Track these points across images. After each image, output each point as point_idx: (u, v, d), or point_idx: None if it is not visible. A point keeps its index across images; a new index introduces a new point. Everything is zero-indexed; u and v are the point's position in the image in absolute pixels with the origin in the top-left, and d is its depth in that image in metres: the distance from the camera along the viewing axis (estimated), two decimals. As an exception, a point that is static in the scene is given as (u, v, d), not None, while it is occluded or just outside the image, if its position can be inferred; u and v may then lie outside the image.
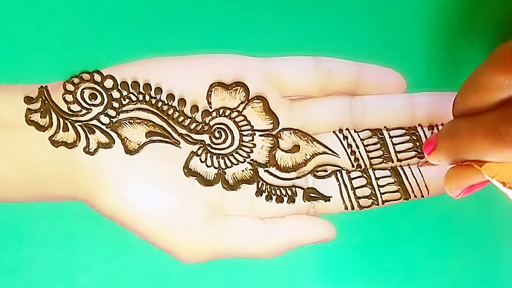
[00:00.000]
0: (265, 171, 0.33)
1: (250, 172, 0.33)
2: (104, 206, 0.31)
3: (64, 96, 0.31)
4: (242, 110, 0.33)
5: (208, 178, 0.32)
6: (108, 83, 0.32)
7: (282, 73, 0.33)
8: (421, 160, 0.34)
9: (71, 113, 0.31)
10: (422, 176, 0.33)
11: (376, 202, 0.33)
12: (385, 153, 0.34)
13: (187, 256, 0.33)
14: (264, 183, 0.33)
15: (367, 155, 0.34)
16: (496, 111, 0.27)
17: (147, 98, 0.32)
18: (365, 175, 0.33)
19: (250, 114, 0.33)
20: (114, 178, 0.31)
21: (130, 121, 0.31)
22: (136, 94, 0.32)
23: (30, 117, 0.31)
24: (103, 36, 0.36)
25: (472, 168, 0.28)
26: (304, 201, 0.33)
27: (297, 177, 0.33)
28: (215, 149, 0.32)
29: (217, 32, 0.37)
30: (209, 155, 0.32)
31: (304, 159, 0.33)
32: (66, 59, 0.34)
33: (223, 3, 0.37)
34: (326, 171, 0.33)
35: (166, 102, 0.32)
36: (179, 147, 0.32)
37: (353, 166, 0.34)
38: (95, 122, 0.31)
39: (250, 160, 0.33)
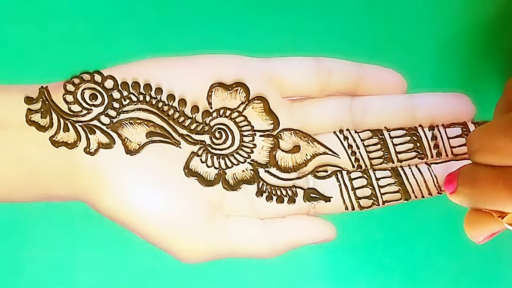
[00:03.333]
0: (265, 171, 0.33)
1: (250, 173, 0.33)
2: (104, 206, 0.31)
3: (64, 96, 0.31)
4: (243, 111, 0.33)
5: (208, 179, 0.32)
6: (109, 84, 0.31)
7: (282, 74, 0.33)
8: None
9: (72, 113, 0.31)
10: (422, 176, 0.33)
11: (376, 203, 0.33)
12: (386, 153, 0.34)
13: (188, 256, 0.33)
14: (264, 184, 0.33)
15: (368, 155, 0.34)
16: None
17: (148, 98, 0.32)
18: (365, 176, 0.33)
19: (251, 114, 0.33)
20: (114, 178, 0.31)
21: (131, 121, 0.31)
22: (137, 95, 0.32)
23: (30, 117, 0.31)
24: (103, 36, 0.36)
25: (492, 216, 0.28)
26: (305, 202, 0.33)
27: (297, 178, 0.33)
28: (216, 149, 0.32)
29: (218, 32, 0.37)
30: (209, 155, 0.32)
31: (304, 160, 0.33)
32: (66, 60, 0.34)
33: (224, 4, 0.37)
34: (327, 171, 0.33)
35: (166, 102, 0.32)
36: (180, 147, 0.32)
37: (353, 166, 0.34)
38: (95, 122, 0.31)
39: (251, 160, 0.33)
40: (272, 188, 0.33)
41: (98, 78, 0.31)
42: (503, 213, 0.27)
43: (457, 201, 0.30)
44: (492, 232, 0.29)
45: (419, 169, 0.34)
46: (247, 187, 0.33)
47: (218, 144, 0.32)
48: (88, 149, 0.31)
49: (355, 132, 0.34)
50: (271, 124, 0.33)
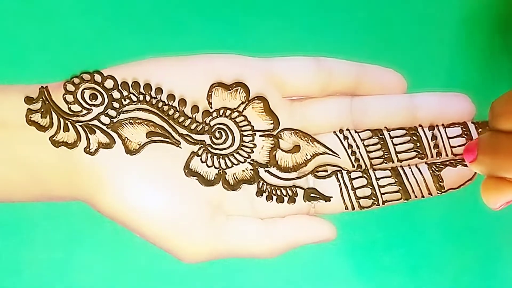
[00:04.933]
0: (265, 171, 0.33)
1: (250, 172, 0.33)
2: (104, 206, 0.31)
3: (64, 96, 0.31)
4: (243, 111, 0.33)
5: (208, 178, 0.32)
6: (109, 83, 0.31)
7: (282, 74, 0.33)
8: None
9: (72, 113, 0.31)
10: (422, 176, 0.33)
11: (376, 202, 0.33)
12: (386, 153, 0.34)
13: (188, 256, 0.33)
14: (264, 183, 0.33)
15: (368, 155, 0.34)
16: None
17: (148, 98, 0.32)
18: (365, 176, 0.33)
19: (251, 114, 0.33)
20: (114, 178, 0.31)
21: (131, 121, 0.31)
22: (137, 94, 0.32)
23: (30, 117, 0.31)
24: (103, 36, 0.36)
25: (511, 185, 0.28)
26: (305, 201, 0.33)
27: (297, 177, 0.33)
28: (216, 149, 0.32)
29: (218, 32, 0.37)
30: (209, 155, 0.32)
31: (304, 159, 0.33)
32: (66, 59, 0.35)
33: (224, 4, 0.37)
34: (327, 171, 0.33)
35: (166, 102, 0.32)
36: (180, 147, 0.32)
37: (353, 166, 0.34)
38: (95, 122, 0.31)
39: (251, 160, 0.33)
40: (272, 188, 0.33)
41: (98, 78, 0.31)
42: None
43: (477, 170, 0.29)
44: (508, 200, 0.28)
45: (419, 169, 0.34)
46: (247, 187, 0.33)
47: (218, 144, 0.32)
48: (88, 149, 0.31)
49: (355, 132, 0.34)
50: (271, 124, 0.33)
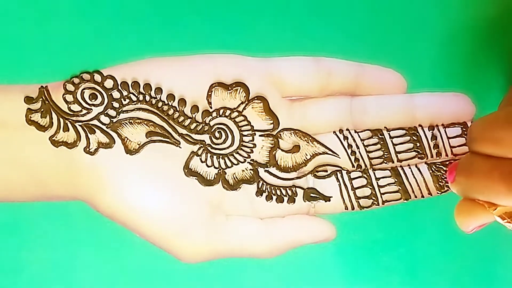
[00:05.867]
0: (265, 171, 0.33)
1: (250, 172, 0.33)
2: (104, 206, 0.31)
3: (64, 96, 0.31)
4: (242, 110, 0.33)
5: (208, 178, 0.32)
6: (108, 83, 0.32)
7: (282, 74, 0.33)
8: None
9: (72, 113, 0.31)
10: (422, 176, 0.33)
11: (376, 202, 0.33)
12: (386, 153, 0.34)
13: (188, 256, 0.33)
14: (264, 183, 0.33)
15: (367, 155, 0.34)
16: None
17: (147, 98, 0.32)
18: (365, 175, 0.33)
19: (250, 114, 0.33)
20: (114, 178, 0.31)
21: (130, 121, 0.31)
22: (136, 94, 0.32)
23: (30, 117, 0.31)
24: (103, 36, 0.36)
25: (483, 208, 0.28)
26: (304, 201, 0.33)
27: (297, 177, 0.33)
28: (215, 149, 0.32)
29: (217, 32, 0.37)
30: (209, 155, 0.32)
31: (304, 159, 0.33)
32: (66, 59, 0.35)
33: (224, 4, 0.37)
34: (326, 171, 0.33)
35: (166, 102, 0.32)
36: (179, 147, 0.32)
37: (353, 166, 0.34)
38: (95, 122, 0.31)
39: (250, 160, 0.33)
40: (272, 187, 0.33)
41: (98, 77, 0.31)
42: (495, 205, 0.27)
43: (455, 191, 0.30)
44: (482, 223, 0.29)
45: (419, 169, 0.34)
46: (247, 186, 0.33)
47: (218, 144, 0.32)
48: (88, 149, 0.31)
49: (355, 132, 0.34)
50: (271, 123, 0.33)
